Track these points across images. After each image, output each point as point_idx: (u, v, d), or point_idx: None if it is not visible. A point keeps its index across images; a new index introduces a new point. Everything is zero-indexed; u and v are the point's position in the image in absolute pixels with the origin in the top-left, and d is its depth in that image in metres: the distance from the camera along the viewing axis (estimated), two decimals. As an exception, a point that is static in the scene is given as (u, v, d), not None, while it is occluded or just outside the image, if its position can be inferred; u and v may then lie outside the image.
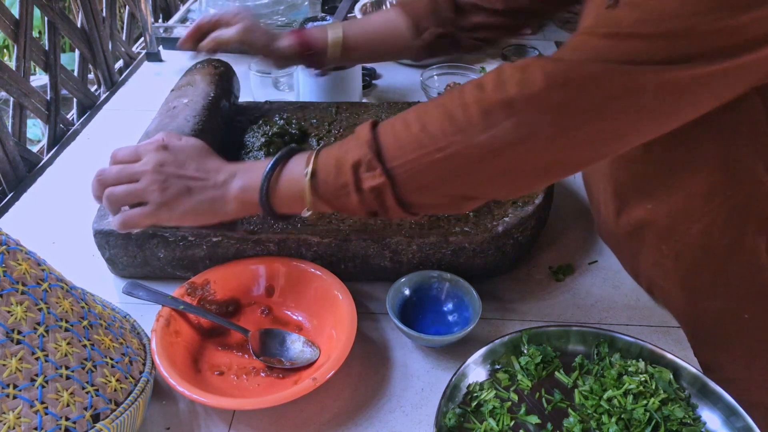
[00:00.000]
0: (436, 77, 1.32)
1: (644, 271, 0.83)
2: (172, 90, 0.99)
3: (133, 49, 1.52)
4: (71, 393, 0.57)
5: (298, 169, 0.66)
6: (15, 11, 1.06)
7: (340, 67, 1.07)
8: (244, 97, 1.14)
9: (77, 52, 1.27)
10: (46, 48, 1.15)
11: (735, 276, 0.73)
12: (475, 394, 0.69)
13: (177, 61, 1.46)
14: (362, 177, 0.62)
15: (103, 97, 1.33)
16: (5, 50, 2.28)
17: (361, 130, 0.64)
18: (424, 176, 0.61)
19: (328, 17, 1.19)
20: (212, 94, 0.95)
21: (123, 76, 1.41)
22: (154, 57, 1.46)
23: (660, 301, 0.83)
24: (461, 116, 0.58)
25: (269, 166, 0.67)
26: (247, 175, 0.68)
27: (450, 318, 0.80)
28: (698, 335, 0.80)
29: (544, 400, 0.70)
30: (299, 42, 0.95)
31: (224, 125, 0.97)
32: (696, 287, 0.77)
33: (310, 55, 0.96)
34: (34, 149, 1.13)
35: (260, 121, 1.01)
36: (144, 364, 0.67)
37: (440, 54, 1.01)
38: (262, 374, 0.73)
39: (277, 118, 1.03)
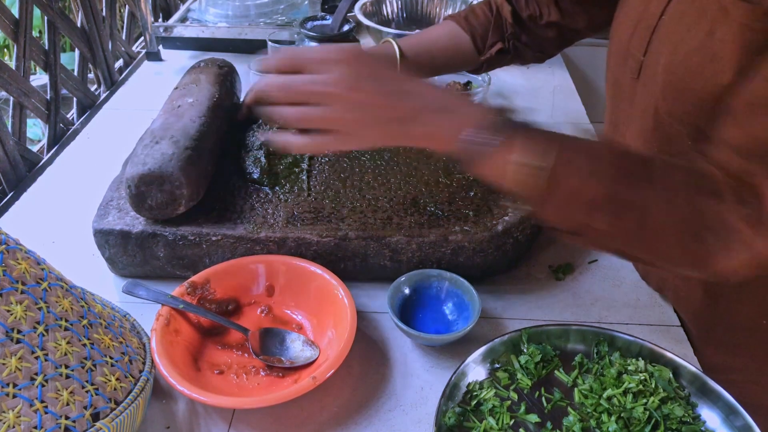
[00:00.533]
0: (436, 76, 1.32)
1: (659, 273, 0.82)
2: (176, 88, 0.99)
3: (133, 48, 1.52)
4: (71, 392, 0.57)
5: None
6: (15, 11, 1.06)
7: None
8: (243, 95, 1.13)
9: (77, 51, 1.27)
10: (46, 47, 1.15)
11: (762, 280, 0.72)
12: (475, 393, 0.69)
13: (177, 61, 1.46)
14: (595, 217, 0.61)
15: (103, 96, 1.33)
16: (5, 50, 2.28)
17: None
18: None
19: (327, 16, 1.19)
20: (217, 95, 0.95)
21: (123, 76, 1.42)
22: (154, 56, 1.46)
23: (669, 300, 0.83)
24: (697, 247, 0.58)
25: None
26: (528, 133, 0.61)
27: (450, 317, 0.80)
28: (710, 337, 0.79)
29: (543, 398, 0.69)
30: None
31: (227, 126, 0.97)
32: (720, 292, 0.76)
33: None
34: (34, 149, 1.13)
35: (260, 120, 1.01)
36: (144, 363, 0.67)
37: (500, 66, 1.01)
38: (262, 373, 0.73)
39: None
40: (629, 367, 0.71)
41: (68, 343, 0.59)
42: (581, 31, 0.98)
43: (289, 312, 0.81)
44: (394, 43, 0.92)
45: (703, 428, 0.66)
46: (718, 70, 0.62)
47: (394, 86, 0.60)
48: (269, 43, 1.23)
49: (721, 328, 0.79)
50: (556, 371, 0.72)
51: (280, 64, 0.62)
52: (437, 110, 0.61)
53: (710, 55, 0.62)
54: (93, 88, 1.34)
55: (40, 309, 0.58)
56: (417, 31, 1.49)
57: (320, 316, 0.78)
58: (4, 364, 0.54)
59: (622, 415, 0.66)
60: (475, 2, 1.02)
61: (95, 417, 0.58)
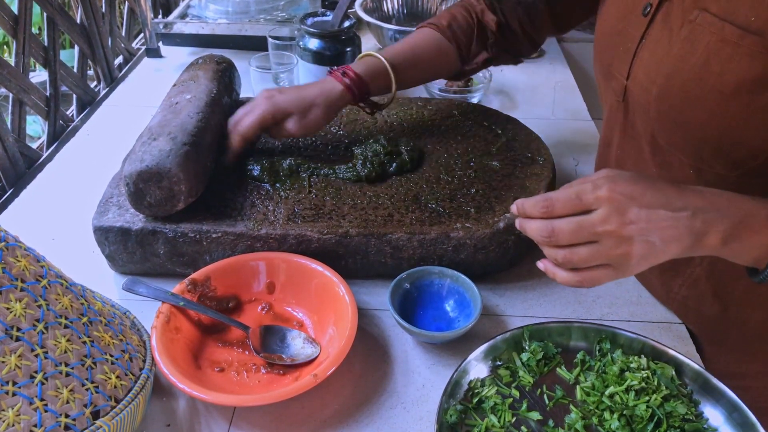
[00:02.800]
0: (436, 73, 1.32)
1: (665, 285, 0.82)
2: (174, 85, 0.98)
3: (133, 45, 1.52)
4: (71, 390, 0.57)
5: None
6: (14, 7, 1.05)
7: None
8: (244, 92, 1.13)
9: (76, 48, 1.27)
10: (46, 44, 1.14)
11: None
12: (477, 391, 0.69)
13: (177, 57, 1.46)
14: None
15: (102, 93, 1.33)
16: (5, 47, 2.27)
17: None
18: None
19: (328, 12, 1.19)
20: (215, 91, 0.95)
21: (123, 72, 1.41)
22: (153, 53, 1.46)
23: (675, 312, 0.82)
24: None
25: None
26: (730, 222, 0.57)
27: (451, 314, 0.79)
28: (722, 346, 0.79)
29: (545, 396, 0.69)
30: (354, 90, 0.90)
31: (225, 122, 0.96)
32: (731, 298, 0.76)
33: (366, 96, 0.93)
34: (34, 145, 1.12)
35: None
36: (144, 361, 0.67)
37: (478, 72, 1.02)
38: (263, 371, 0.73)
39: None
40: (631, 365, 0.71)
41: (68, 340, 0.58)
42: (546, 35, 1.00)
43: (289, 309, 0.80)
44: (381, 58, 0.91)
45: (705, 426, 0.66)
46: (722, 104, 0.61)
47: (664, 204, 0.57)
48: (269, 39, 1.23)
49: (732, 336, 0.79)
50: (558, 369, 0.72)
51: (539, 209, 0.60)
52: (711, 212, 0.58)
53: (711, 88, 0.62)
54: (93, 84, 1.34)
55: (39, 306, 0.57)
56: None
57: (321, 314, 0.78)
58: (3, 362, 0.54)
59: (624, 412, 0.66)
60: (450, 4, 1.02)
61: (95, 415, 0.58)
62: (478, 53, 0.97)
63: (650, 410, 0.66)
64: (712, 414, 0.67)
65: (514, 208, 0.63)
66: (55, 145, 1.15)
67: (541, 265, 0.62)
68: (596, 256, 0.57)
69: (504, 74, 1.40)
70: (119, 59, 1.45)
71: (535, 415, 0.67)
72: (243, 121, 0.88)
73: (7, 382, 0.54)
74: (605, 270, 0.58)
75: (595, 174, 0.59)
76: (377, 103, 0.97)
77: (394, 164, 0.90)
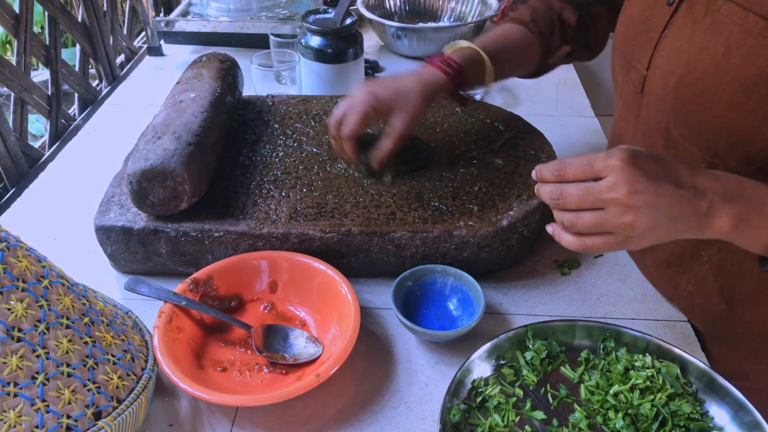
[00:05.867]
0: (439, 70, 1.31)
1: (672, 280, 0.81)
2: (178, 82, 0.98)
3: (135, 43, 1.51)
4: (72, 390, 0.57)
5: None
6: (16, 6, 1.05)
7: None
8: (246, 90, 1.13)
9: (78, 46, 1.26)
10: (47, 43, 1.14)
11: None
12: (480, 390, 0.69)
13: (178, 56, 1.45)
14: None
15: (104, 92, 1.33)
16: (8, 45, 2.27)
17: None
18: None
19: (330, 10, 1.18)
20: (219, 90, 0.95)
21: (124, 71, 1.41)
22: (155, 51, 1.46)
23: (680, 308, 0.82)
24: None
25: None
26: (742, 207, 0.57)
27: (454, 313, 0.79)
28: (727, 345, 0.78)
29: (549, 395, 0.69)
30: (456, 77, 0.87)
31: (228, 121, 0.96)
32: (737, 296, 0.75)
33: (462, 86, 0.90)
34: (36, 145, 1.12)
35: (266, 117, 1.00)
36: (146, 361, 0.66)
37: (555, 68, 1.01)
38: (265, 370, 0.73)
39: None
40: (636, 363, 0.70)
41: (69, 341, 0.58)
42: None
43: (292, 308, 0.80)
44: (476, 47, 0.89)
45: (711, 425, 0.65)
46: (740, 96, 0.60)
47: (673, 181, 0.57)
48: (271, 37, 1.22)
49: (738, 335, 0.78)
50: (562, 367, 0.72)
51: (552, 172, 0.60)
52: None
53: (730, 79, 0.61)
54: (94, 83, 1.33)
55: (41, 307, 0.57)
56: (430, 24, 1.48)
57: (324, 313, 0.78)
58: (5, 362, 0.54)
59: (629, 411, 0.66)
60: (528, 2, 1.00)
61: (97, 416, 0.58)
62: (560, 47, 0.96)
63: (655, 409, 0.65)
64: (718, 413, 0.66)
65: (534, 173, 0.63)
66: (57, 144, 1.15)
67: (549, 228, 0.63)
68: (600, 222, 0.58)
69: (507, 71, 1.39)
70: (121, 58, 1.44)
71: (539, 415, 0.66)
72: (347, 121, 0.83)
73: (9, 383, 0.54)
74: (608, 238, 0.59)
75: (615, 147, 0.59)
76: (470, 97, 0.94)
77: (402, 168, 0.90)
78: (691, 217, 0.57)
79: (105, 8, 1.34)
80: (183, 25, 1.44)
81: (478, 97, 1.23)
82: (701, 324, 0.80)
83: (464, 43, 0.90)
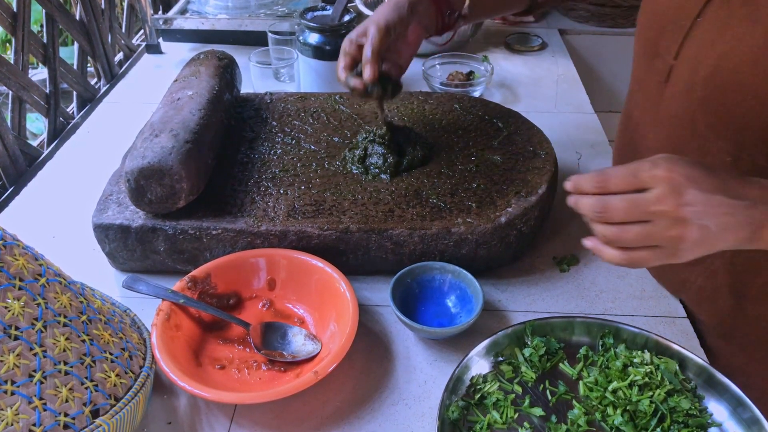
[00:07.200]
0: (438, 66, 1.31)
1: (680, 275, 0.80)
2: (175, 80, 0.98)
3: (133, 41, 1.51)
4: (70, 388, 0.57)
5: None
6: (14, 5, 1.05)
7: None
8: (244, 88, 1.13)
9: (76, 44, 1.26)
10: (45, 41, 1.14)
11: None
12: (479, 387, 0.69)
13: (177, 53, 1.45)
14: None
15: (103, 90, 1.33)
16: (6, 44, 2.27)
17: None
18: None
19: (328, 7, 1.18)
20: (217, 88, 0.94)
21: (123, 69, 1.41)
22: (154, 49, 1.45)
23: (687, 302, 0.81)
24: None
25: None
26: None
27: (453, 310, 0.79)
28: (732, 341, 0.78)
29: (548, 392, 0.69)
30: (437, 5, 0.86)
31: (226, 119, 0.96)
32: (746, 292, 0.75)
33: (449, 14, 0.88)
34: (34, 143, 1.12)
35: (265, 115, 1.00)
36: (144, 359, 0.66)
37: (548, 7, 0.98)
38: (264, 368, 0.73)
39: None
40: (635, 360, 0.70)
41: (67, 339, 0.58)
42: None
43: (290, 306, 0.80)
44: None
45: (710, 421, 0.65)
46: None
47: (723, 191, 0.54)
48: (269, 34, 1.22)
49: (744, 331, 0.78)
50: (560, 364, 0.71)
51: (593, 184, 0.58)
52: None
53: (765, 72, 0.59)
54: (93, 81, 1.33)
55: (38, 305, 0.57)
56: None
57: (322, 310, 0.78)
58: (2, 361, 0.54)
59: (627, 408, 0.65)
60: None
61: (95, 414, 0.58)
62: None
63: (654, 405, 0.65)
64: (717, 409, 0.66)
65: (568, 184, 0.60)
66: (56, 142, 1.15)
67: (588, 243, 0.60)
68: (648, 236, 0.55)
69: (506, 67, 1.39)
70: (119, 56, 1.44)
71: (538, 411, 0.66)
72: (369, 40, 0.79)
73: (6, 382, 0.53)
74: (654, 251, 0.56)
75: (653, 156, 0.57)
76: (450, 20, 0.91)
77: (406, 160, 0.90)
78: (744, 227, 0.54)
79: (103, 6, 1.33)
80: (181, 23, 1.44)
81: (476, 95, 1.23)
82: (708, 318, 0.80)
83: None
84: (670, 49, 0.71)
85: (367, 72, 0.80)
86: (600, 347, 0.73)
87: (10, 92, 1.05)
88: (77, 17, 1.25)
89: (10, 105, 1.06)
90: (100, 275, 0.85)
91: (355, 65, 0.84)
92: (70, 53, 1.31)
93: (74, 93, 1.26)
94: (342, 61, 0.84)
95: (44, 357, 0.56)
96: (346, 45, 0.83)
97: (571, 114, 1.23)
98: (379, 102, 0.87)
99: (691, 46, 0.69)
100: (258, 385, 0.71)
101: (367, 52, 0.79)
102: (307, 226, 0.80)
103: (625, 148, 0.88)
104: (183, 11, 1.49)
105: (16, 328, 0.55)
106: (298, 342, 0.75)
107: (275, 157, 0.92)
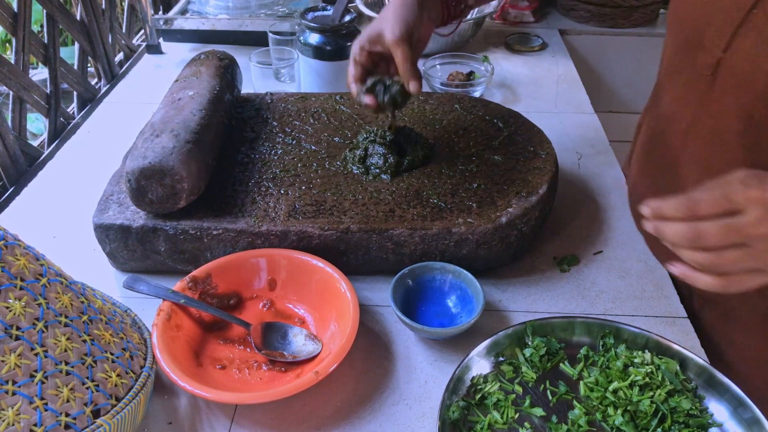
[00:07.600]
0: (438, 66, 1.31)
1: None
2: (176, 80, 0.98)
3: (134, 41, 1.51)
4: (71, 388, 0.57)
5: None
6: (15, 5, 1.05)
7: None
8: (245, 88, 1.13)
9: (77, 45, 1.26)
10: (46, 41, 1.14)
11: None
12: (479, 387, 0.69)
13: (177, 53, 1.45)
14: None
15: (103, 90, 1.33)
16: (7, 44, 2.27)
17: None
18: None
19: (328, 7, 1.18)
20: (217, 88, 0.94)
21: (123, 69, 1.41)
22: (154, 49, 1.46)
23: (707, 308, 0.81)
24: None
25: None
26: None
27: (453, 310, 0.79)
28: (719, 306, 0.77)
29: (548, 392, 0.69)
30: None
31: (227, 119, 0.96)
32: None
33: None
34: (35, 143, 1.12)
35: (265, 114, 1.00)
36: (145, 359, 0.66)
37: None
38: (264, 368, 0.73)
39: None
40: (635, 360, 0.70)
41: (68, 339, 0.58)
42: None
43: (291, 306, 0.80)
44: None
45: (710, 421, 0.65)
46: None
47: None
48: (270, 34, 1.22)
49: (726, 297, 0.76)
50: (561, 364, 0.72)
51: (681, 210, 0.55)
52: None
53: None
54: (93, 81, 1.33)
55: (39, 305, 0.57)
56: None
57: (322, 310, 0.78)
58: (3, 361, 0.54)
59: (628, 408, 0.66)
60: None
61: (96, 414, 0.58)
62: None
63: (654, 405, 0.65)
64: (717, 409, 0.66)
65: (646, 210, 0.57)
66: (56, 142, 1.15)
67: (676, 270, 0.58)
68: (747, 260, 0.53)
69: (506, 68, 1.39)
70: (120, 56, 1.44)
71: (539, 411, 0.66)
72: (402, 55, 0.79)
73: (7, 382, 0.54)
74: (752, 274, 0.54)
75: (734, 174, 0.54)
76: (457, 11, 0.91)
77: (406, 160, 0.90)
78: None
79: (104, 6, 1.33)
80: (182, 23, 1.44)
81: (476, 95, 1.23)
82: (712, 316, 0.78)
83: None
84: (718, 42, 0.68)
85: (414, 86, 0.80)
86: (600, 347, 0.73)
87: (11, 92, 1.05)
88: (78, 17, 1.25)
89: (10, 105, 1.06)
90: (100, 275, 0.85)
91: (367, 75, 0.83)
92: (70, 53, 1.31)
93: (75, 93, 1.26)
94: (352, 71, 0.83)
95: (45, 357, 0.56)
96: (357, 53, 0.82)
97: (571, 114, 1.23)
98: (392, 112, 0.88)
99: (746, 39, 0.66)
100: (258, 385, 0.71)
101: (404, 67, 0.79)
102: (307, 226, 0.80)
103: (654, 143, 0.86)
104: (183, 11, 1.49)
105: (18, 328, 0.55)
106: (299, 342, 0.75)
107: (276, 158, 0.92)
